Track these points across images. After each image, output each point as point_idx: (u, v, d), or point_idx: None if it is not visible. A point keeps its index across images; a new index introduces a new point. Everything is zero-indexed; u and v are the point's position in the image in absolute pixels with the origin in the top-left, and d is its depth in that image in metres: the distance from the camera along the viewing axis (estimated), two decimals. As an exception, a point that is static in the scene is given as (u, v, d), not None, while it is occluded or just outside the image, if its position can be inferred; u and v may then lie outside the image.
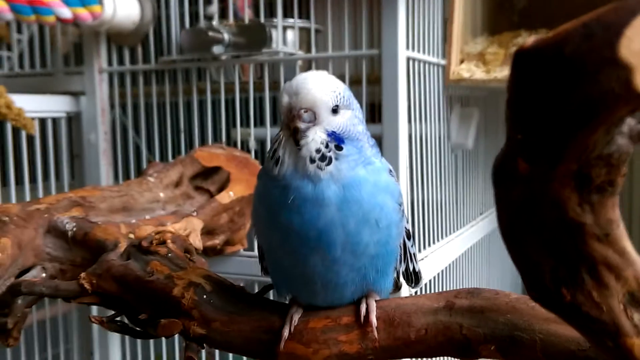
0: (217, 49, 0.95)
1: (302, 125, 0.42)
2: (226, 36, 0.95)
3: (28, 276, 0.59)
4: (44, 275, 0.60)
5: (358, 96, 0.90)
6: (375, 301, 0.46)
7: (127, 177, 1.11)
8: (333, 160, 0.42)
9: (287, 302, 0.48)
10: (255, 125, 0.99)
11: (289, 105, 0.42)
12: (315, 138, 0.42)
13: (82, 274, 0.53)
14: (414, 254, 0.50)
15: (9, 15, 0.89)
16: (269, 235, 0.46)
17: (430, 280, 0.99)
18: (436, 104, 1.03)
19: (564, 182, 0.24)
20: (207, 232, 0.88)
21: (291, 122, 0.42)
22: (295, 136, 0.42)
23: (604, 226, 0.24)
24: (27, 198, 1.00)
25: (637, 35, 0.20)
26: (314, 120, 0.42)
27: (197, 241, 0.84)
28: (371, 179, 0.43)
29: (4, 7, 0.87)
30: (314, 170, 0.42)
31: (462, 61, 1.08)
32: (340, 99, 0.43)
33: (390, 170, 0.46)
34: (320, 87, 0.42)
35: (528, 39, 0.23)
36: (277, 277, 0.48)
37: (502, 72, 1.04)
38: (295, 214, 0.42)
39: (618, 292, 0.25)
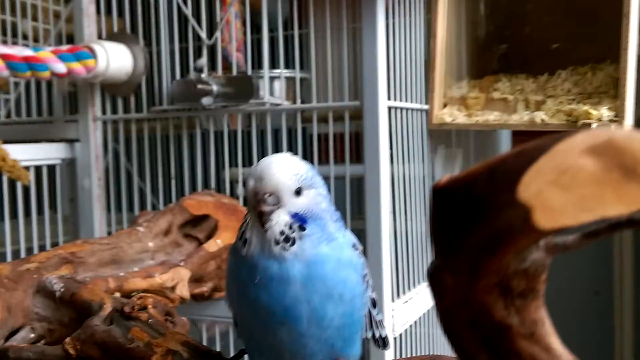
0: (206, 100, 0.98)
1: (266, 209, 0.45)
2: (215, 88, 0.98)
3: (17, 337, 0.61)
4: (32, 335, 0.62)
5: (340, 128, 0.93)
6: (343, 367, 0.48)
7: (119, 222, 1.14)
8: (297, 240, 0.45)
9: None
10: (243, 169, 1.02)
11: (254, 190, 0.45)
12: (279, 221, 0.45)
13: (67, 339, 0.55)
14: (380, 321, 0.53)
15: (6, 73, 0.92)
16: (239, 308, 0.48)
17: (415, 322, 1.01)
18: (420, 146, 1.06)
19: (488, 291, 0.27)
20: (195, 279, 0.91)
21: (257, 205, 0.45)
22: (261, 219, 0.45)
23: (530, 326, 0.27)
24: (22, 234, 1.04)
25: (535, 180, 0.23)
26: (278, 203, 0.45)
27: (184, 291, 0.87)
28: (334, 255, 0.46)
29: (0, 65, 0.91)
30: (279, 251, 0.44)
31: (445, 105, 1.11)
32: (302, 180, 0.46)
33: (354, 245, 0.49)
34: (283, 172, 0.45)
35: (444, 177, 0.26)
36: (249, 345, 0.51)
37: (483, 117, 1.07)
38: (263, 291, 0.45)
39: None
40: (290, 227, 0.45)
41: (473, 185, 0.25)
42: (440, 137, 1.16)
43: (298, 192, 0.46)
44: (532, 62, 1.07)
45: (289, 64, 1.02)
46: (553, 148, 0.24)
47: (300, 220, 0.45)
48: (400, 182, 0.99)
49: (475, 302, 0.28)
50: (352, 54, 0.96)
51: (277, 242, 0.45)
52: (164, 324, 0.55)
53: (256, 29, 1.09)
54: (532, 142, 0.25)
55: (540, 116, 1.01)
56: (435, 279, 0.29)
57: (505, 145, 1.61)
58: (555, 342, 0.28)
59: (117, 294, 0.69)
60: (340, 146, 0.98)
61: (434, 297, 0.29)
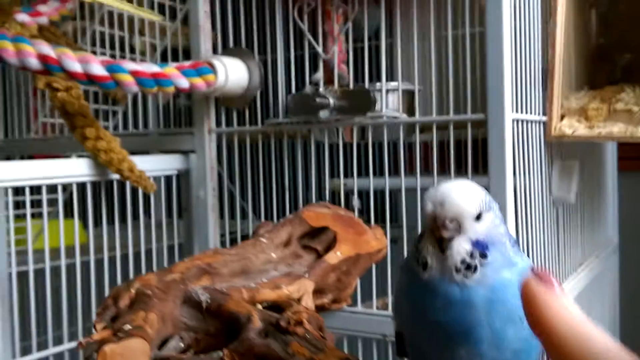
0: (323, 114, 0.99)
1: (447, 235, 0.44)
2: (331, 101, 0.99)
3: (170, 347, 0.63)
4: (181, 345, 0.64)
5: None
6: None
7: (232, 230, 1.17)
8: (478, 267, 0.44)
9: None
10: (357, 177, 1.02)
11: (434, 215, 0.44)
12: (460, 250, 0.44)
13: (225, 351, 0.56)
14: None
15: (135, 89, 0.96)
16: (414, 328, 0.48)
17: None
18: (538, 159, 1.03)
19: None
20: (317, 291, 0.91)
21: (437, 231, 0.44)
22: (441, 245, 0.44)
23: None
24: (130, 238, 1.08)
25: None
26: (459, 229, 0.44)
27: (309, 302, 0.87)
28: (514, 279, 0.45)
29: (131, 81, 0.95)
30: (461, 279, 0.44)
31: (562, 116, 1.07)
32: (482, 205, 0.45)
33: (532, 267, 0.47)
34: (465, 198, 0.44)
35: None
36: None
37: (606, 128, 1.03)
38: (444, 314, 0.44)
39: None
40: (472, 256, 0.44)
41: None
42: (557, 149, 1.12)
43: (478, 217, 0.45)
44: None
45: (403, 76, 1.02)
46: None
47: (481, 248, 0.45)
48: (521, 194, 0.96)
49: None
50: (473, 62, 0.94)
51: (458, 270, 0.44)
52: (321, 339, 0.56)
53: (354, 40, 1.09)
54: None
55: (670, 128, 0.96)
56: None
57: (610, 155, 1.55)
58: None
59: (259, 306, 0.70)
60: (458, 155, 0.96)
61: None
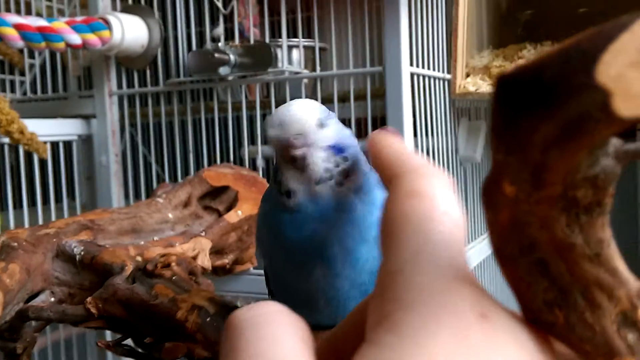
0: (223, 70, 0.96)
1: (297, 152, 0.42)
2: (232, 57, 0.96)
3: (37, 301, 0.60)
4: (52, 299, 0.61)
5: (363, 110, 0.91)
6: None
7: (137, 197, 1.13)
8: (341, 174, 0.42)
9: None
10: (263, 143, 1.00)
11: (277, 138, 0.42)
12: (316, 160, 0.42)
13: (89, 299, 0.53)
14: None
15: (20, 43, 0.91)
16: (272, 254, 0.47)
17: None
18: (442, 118, 1.04)
19: (551, 204, 0.24)
20: (216, 251, 0.89)
21: (286, 152, 0.42)
22: (296, 164, 0.43)
23: (594, 246, 0.25)
24: (40, 220, 1.02)
25: (614, 60, 0.21)
26: (307, 142, 0.43)
27: (205, 261, 0.85)
28: (375, 199, 0.43)
29: (14, 35, 0.89)
30: (324, 190, 0.42)
31: (467, 75, 1.08)
32: (322, 113, 0.43)
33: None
34: (301, 110, 0.43)
35: (520, 60, 0.23)
36: (281, 298, 0.49)
37: (508, 85, 1.04)
38: (298, 232, 0.43)
39: (611, 313, 0.25)
40: (330, 161, 0.42)
41: (544, 70, 0.22)
42: (463, 109, 1.13)
43: (321, 125, 0.43)
44: (559, 29, 1.04)
45: (307, 35, 1.00)
46: (636, 23, 0.21)
47: (337, 151, 0.43)
48: (424, 154, 0.96)
49: (535, 219, 0.25)
50: (370, 20, 0.93)
51: (322, 181, 0.42)
52: (189, 281, 0.53)
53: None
54: (612, 20, 0.22)
55: (568, 81, 0.97)
56: (491, 191, 0.26)
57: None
58: (621, 265, 0.25)
59: (139, 259, 0.67)
60: (364, 122, 0.95)
61: (487, 216, 0.26)
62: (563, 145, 0.22)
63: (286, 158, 0.43)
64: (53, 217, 1.05)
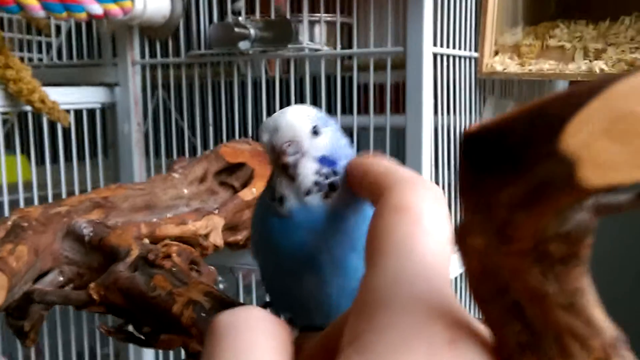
0: (243, 45, 0.95)
1: (289, 160, 0.42)
2: (252, 32, 0.95)
3: (45, 280, 0.61)
4: (61, 278, 0.62)
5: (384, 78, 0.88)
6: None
7: (158, 167, 1.14)
8: (336, 185, 0.42)
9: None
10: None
11: (271, 143, 0.42)
12: (306, 171, 0.42)
13: (92, 284, 0.54)
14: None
15: (41, 13, 0.91)
16: (266, 260, 0.47)
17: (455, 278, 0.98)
18: (467, 96, 1.01)
19: (522, 256, 0.23)
20: (230, 228, 0.90)
21: (279, 159, 0.42)
22: (287, 172, 0.42)
23: (569, 295, 0.24)
24: (63, 179, 1.05)
25: (582, 128, 0.19)
26: (300, 151, 0.42)
27: (218, 239, 0.85)
28: (364, 208, 0.43)
29: (35, 5, 0.89)
30: (313, 201, 0.42)
31: (496, 53, 1.04)
32: (317, 120, 0.42)
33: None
34: (296, 117, 0.42)
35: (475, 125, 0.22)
36: (275, 297, 0.49)
37: (537, 65, 1.01)
38: (288, 239, 0.42)
39: (583, 361, 0.25)
40: (320, 174, 0.42)
41: (509, 132, 0.21)
42: (490, 87, 1.10)
43: (315, 133, 0.42)
44: (593, 7, 0.99)
45: (329, 9, 0.97)
46: (606, 90, 0.19)
47: (329, 164, 0.42)
48: (445, 134, 0.94)
49: (507, 268, 0.24)
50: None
51: (309, 192, 0.42)
52: (188, 273, 0.54)
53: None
54: (580, 84, 0.20)
55: (599, 65, 0.93)
56: (463, 240, 0.25)
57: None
58: (597, 313, 0.24)
59: (147, 240, 0.68)
60: (381, 95, 0.93)
61: (462, 261, 0.25)
62: (529, 207, 0.21)
63: (278, 164, 0.42)
64: (75, 176, 1.07)
